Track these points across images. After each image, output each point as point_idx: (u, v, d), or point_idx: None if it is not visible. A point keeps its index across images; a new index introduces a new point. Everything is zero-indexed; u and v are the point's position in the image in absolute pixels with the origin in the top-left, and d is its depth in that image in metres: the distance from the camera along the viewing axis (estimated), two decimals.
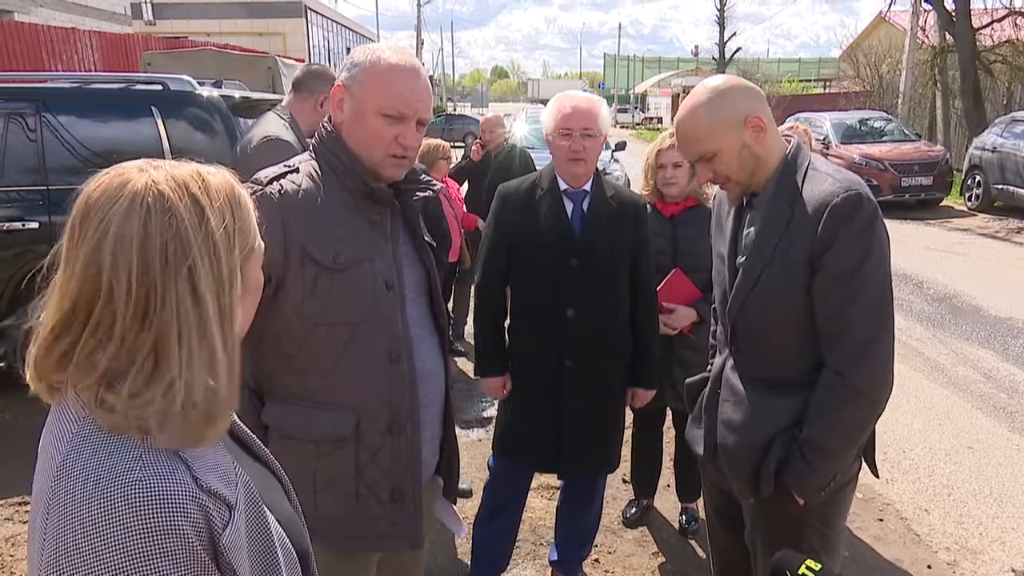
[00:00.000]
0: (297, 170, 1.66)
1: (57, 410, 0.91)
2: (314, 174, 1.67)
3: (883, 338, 1.73)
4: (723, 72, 39.27)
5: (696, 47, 52.13)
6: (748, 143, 1.81)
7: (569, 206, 2.58)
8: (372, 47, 1.72)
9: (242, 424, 1.12)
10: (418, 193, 1.80)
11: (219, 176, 0.95)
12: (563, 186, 2.58)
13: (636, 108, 55.41)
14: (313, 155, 1.73)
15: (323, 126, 1.75)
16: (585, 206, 2.57)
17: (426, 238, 1.86)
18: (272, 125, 3.14)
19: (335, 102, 1.69)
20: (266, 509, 0.98)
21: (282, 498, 1.12)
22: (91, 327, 0.86)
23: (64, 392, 0.89)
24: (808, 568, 1.26)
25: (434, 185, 1.83)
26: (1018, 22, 16.28)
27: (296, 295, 1.62)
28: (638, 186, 3.35)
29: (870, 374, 1.73)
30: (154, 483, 0.82)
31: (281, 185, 1.61)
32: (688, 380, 2.25)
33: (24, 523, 3.50)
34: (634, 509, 3.62)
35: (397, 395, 1.73)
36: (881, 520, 3.63)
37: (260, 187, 1.58)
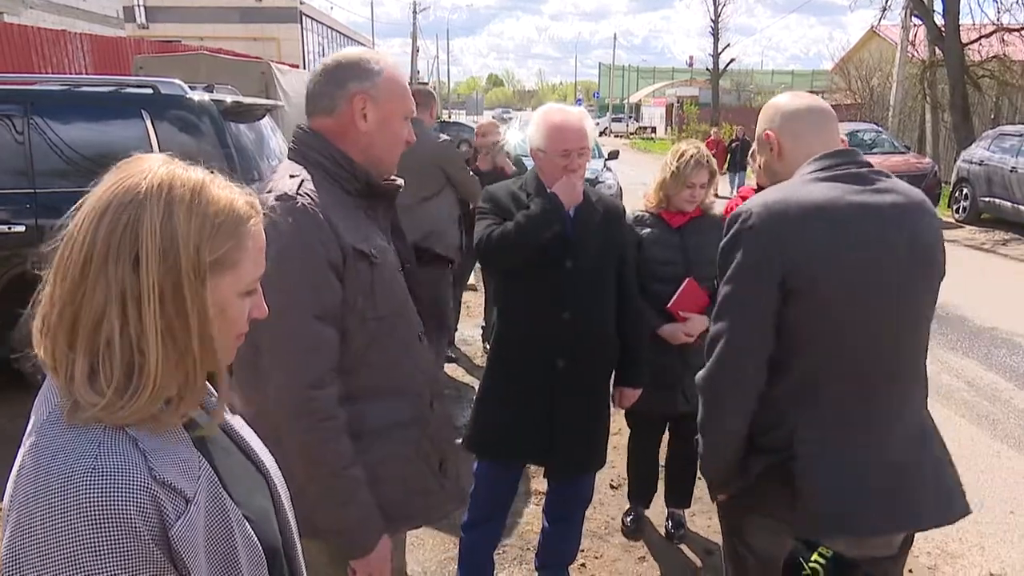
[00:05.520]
0: (303, 179, 1.67)
1: (45, 389, 0.95)
2: (315, 179, 1.69)
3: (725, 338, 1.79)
4: (717, 83, 39.53)
5: (691, 58, 52.50)
6: (769, 160, 1.94)
7: None
8: (364, 53, 1.76)
9: (232, 420, 1.15)
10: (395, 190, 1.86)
11: (225, 191, 0.99)
12: (550, 190, 2.59)
13: (630, 117, 55.57)
14: (300, 162, 1.73)
15: (304, 131, 1.76)
16: (573, 210, 2.59)
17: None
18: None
19: (357, 111, 1.70)
20: (230, 503, 0.99)
21: (263, 496, 1.13)
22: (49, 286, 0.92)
23: (55, 368, 0.92)
24: (820, 555, 1.29)
25: (398, 181, 1.87)
26: (1005, 38, 16.45)
27: (351, 294, 1.66)
28: (630, 195, 3.35)
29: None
30: (106, 472, 0.85)
31: (307, 194, 1.63)
32: None
33: None
34: (631, 517, 3.62)
35: (430, 373, 1.89)
36: None
37: (292, 200, 1.59)
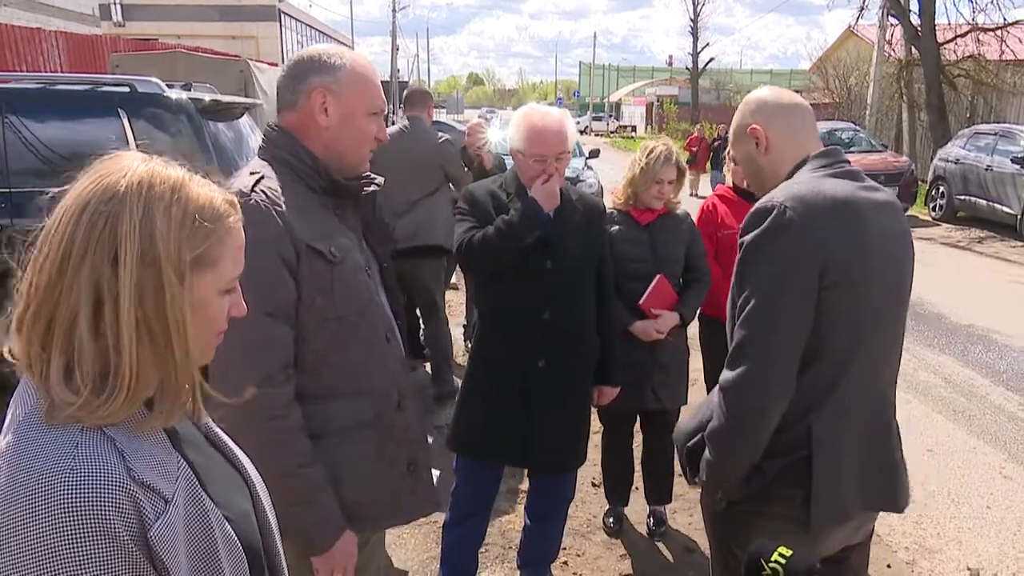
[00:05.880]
0: (263, 175, 1.67)
1: (22, 388, 0.93)
2: (278, 176, 1.68)
3: (757, 344, 1.67)
4: (697, 81, 39.76)
5: (671, 57, 52.75)
6: (753, 154, 1.87)
7: None
8: (328, 48, 1.75)
9: (211, 422, 1.15)
10: (366, 188, 1.83)
11: (204, 189, 0.98)
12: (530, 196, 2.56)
13: (611, 116, 55.67)
14: (266, 159, 1.72)
15: (272, 128, 1.76)
16: (553, 211, 2.59)
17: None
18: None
19: (317, 106, 1.68)
20: (210, 504, 0.99)
21: (243, 496, 1.13)
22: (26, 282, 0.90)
23: (31, 367, 0.91)
24: (780, 555, 1.26)
25: (376, 179, 1.86)
26: (980, 38, 16.66)
27: (308, 293, 1.65)
28: (611, 193, 3.37)
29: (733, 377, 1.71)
30: (84, 472, 0.84)
31: (263, 192, 1.62)
32: None
33: None
34: (611, 518, 3.62)
35: (397, 373, 1.85)
36: None
37: (247, 196, 1.58)
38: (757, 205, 1.71)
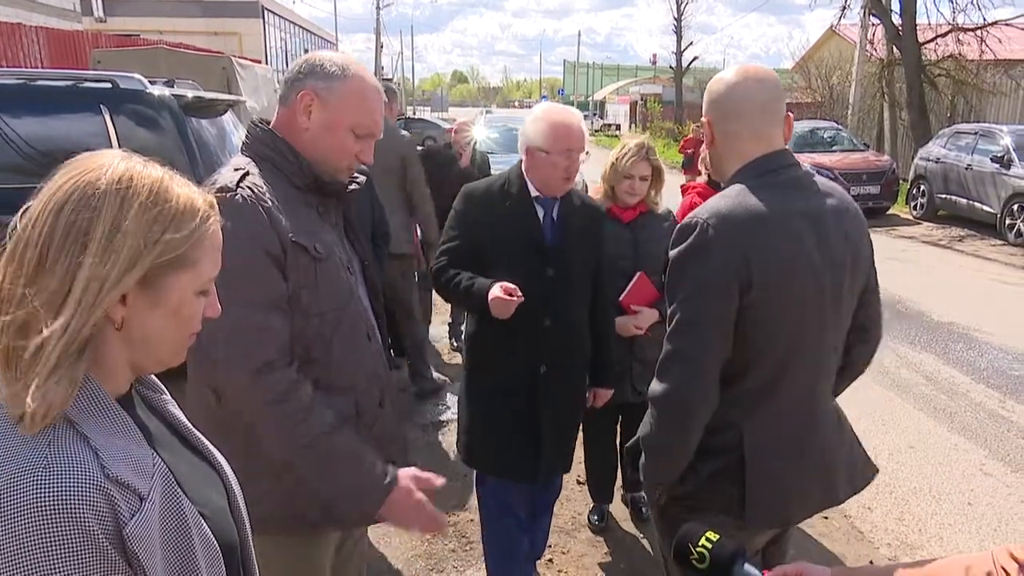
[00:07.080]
0: (247, 171, 1.66)
1: None
2: (261, 173, 1.68)
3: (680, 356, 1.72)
4: (680, 80, 39.86)
5: (654, 55, 52.80)
6: (707, 142, 1.87)
7: (540, 212, 2.55)
8: (337, 57, 1.74)
9: (183, 418, 1.14)
10: (350, 186, 1.84)
11: (185, 189, 0.98)
12: (534, 192, 2.54)
13: (595, 115, 55.75)
14: (249, 156, 1.72)
15: (256, 125, 1.76)
16: (555, 213, 2.56)
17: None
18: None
19: (302, 107, 1.68)
20: (186, 501, 0.98)
21: (217, 492, 1.12)
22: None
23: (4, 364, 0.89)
24: (707, 539, 1.26)
25: (359, 178, 1.86)
26: (961, 38, 16.82)
27: (295, 288, 1.65)
28: (593, 191, 3.39)
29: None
30: (58, 470, 0.84)
31: (248, 187, 1.61)
32: None
33: None
34: (596, 516, 3.64)
35: (379, 371, 1.85)
36: (826, 518, 3.72)
37: (232, 192, 1.58)
38: (683, 222, 1.73)
